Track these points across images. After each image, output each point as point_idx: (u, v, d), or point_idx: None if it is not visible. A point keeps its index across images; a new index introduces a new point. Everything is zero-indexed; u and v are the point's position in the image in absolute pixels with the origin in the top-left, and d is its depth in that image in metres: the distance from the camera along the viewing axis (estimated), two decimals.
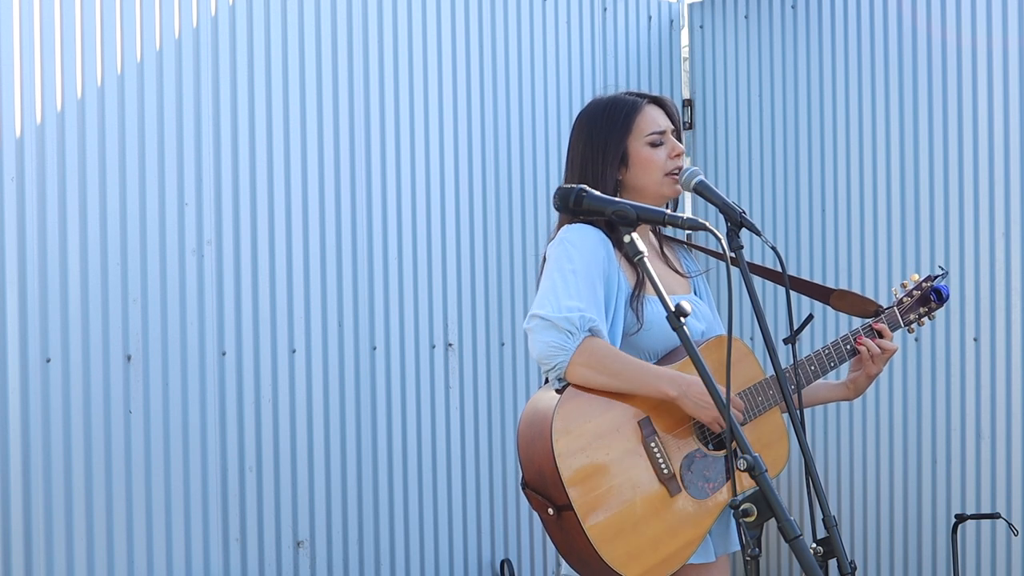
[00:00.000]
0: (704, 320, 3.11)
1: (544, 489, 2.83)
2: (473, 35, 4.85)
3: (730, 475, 2.89)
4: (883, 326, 3.22)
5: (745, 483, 2.93)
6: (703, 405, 2.89)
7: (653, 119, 3.07)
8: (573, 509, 2.79)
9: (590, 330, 2.89)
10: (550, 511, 2.82)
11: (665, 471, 2.90)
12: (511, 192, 4.93)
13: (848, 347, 3.19)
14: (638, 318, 2.97)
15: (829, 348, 3.17)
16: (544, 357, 2.88)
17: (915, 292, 3.30)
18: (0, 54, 3.80)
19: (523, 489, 2.89)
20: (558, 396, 2.87)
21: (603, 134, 3.05)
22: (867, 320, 3.26)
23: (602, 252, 2.96)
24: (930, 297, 3.29)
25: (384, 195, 4.61)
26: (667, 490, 2.89)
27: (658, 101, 3.12)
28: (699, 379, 2.88)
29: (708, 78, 5.47)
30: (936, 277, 3.32)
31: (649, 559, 2.84)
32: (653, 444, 2.90)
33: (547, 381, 2.99)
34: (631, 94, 3.12)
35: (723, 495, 2.95)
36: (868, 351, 3.18)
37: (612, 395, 2.90)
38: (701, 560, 2.98)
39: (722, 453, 2.97)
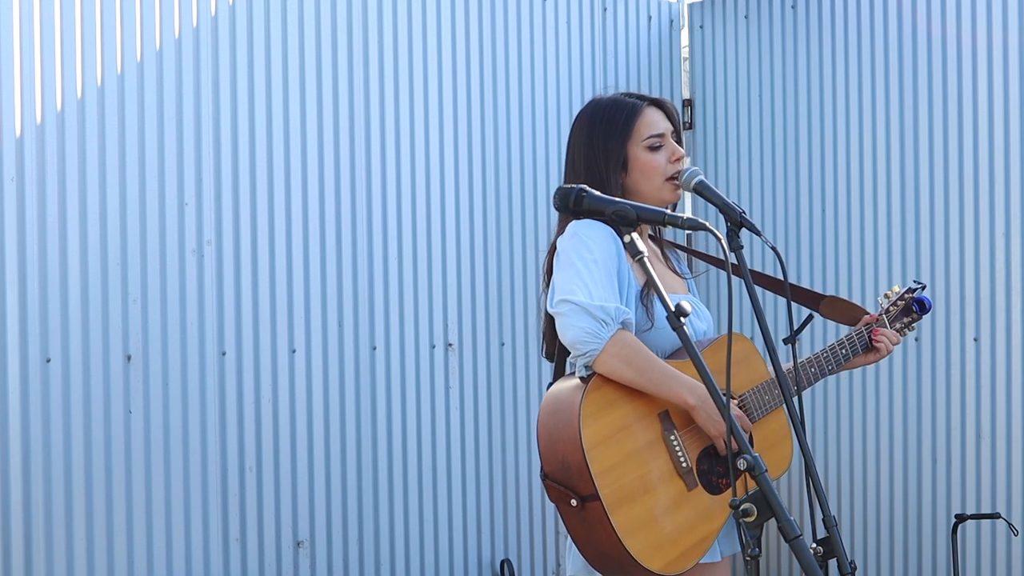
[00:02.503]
0: (705, 320, 3.11)
1: (567, 479, 2.79)
2: (473, 35, 4.85)
3: (733, 474, 2.89)
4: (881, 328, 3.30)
5: (751, 484, 2.93)
6: (715, 420, 2.88)
7: (652, 122, 3.06)
8: (600, 499, 2.75)
9: (623, 323, 2.88)
10: (573, 502, 2.79)
11: (684, 464, 2.89)
12: (511, 192, 4.93)
13: (862, 342, 3.26)
14: (648, 315, 2.97)
15: (827, 351, 3.19)
16: (577, 342, 2.85)
17: (899, 302, 3.37)
18: (0, 54, 3.80)
19: (543, 480, 2.86)
20: (583, 385, 2.84)
21: (603, 138, 3.04)
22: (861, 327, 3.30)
23: (613, 247, 2.95)
24: (912, 308, 3.36)
25: (384, 195, 4.61)
26: (684, 484, 2.88)
27: (658, 103, 3.10)
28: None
29: (708, 78, 5.47)
30: (915, 289, 3.39)
31: (670, 552, 2.83)
32: (672, 437, 2.89)
33: (554, 380, 2.98)
34: (631, 96, 3.11)
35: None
36: (885, 347, 3.26)
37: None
38: (708, 560, 2.97)
39: None
